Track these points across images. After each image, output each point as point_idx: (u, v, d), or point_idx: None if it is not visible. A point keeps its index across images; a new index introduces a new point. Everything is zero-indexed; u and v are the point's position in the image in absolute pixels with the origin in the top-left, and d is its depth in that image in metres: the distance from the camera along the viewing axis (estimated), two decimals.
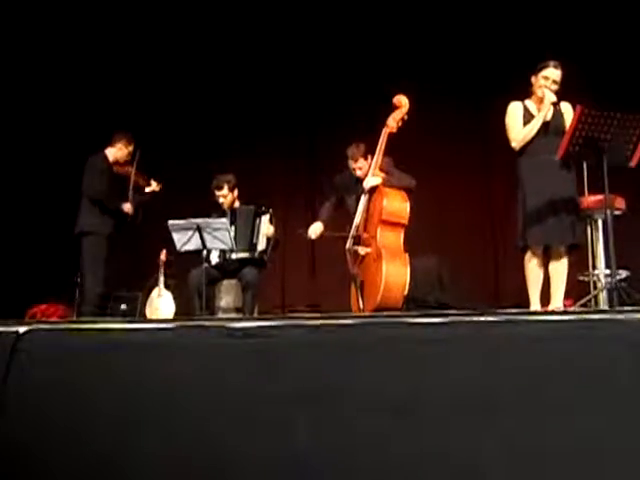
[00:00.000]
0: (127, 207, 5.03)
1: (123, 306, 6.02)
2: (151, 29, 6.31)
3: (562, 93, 3.96)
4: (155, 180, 5.26)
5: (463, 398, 2.12)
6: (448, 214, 5.94)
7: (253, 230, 4.71)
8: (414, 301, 4.53)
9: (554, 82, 3.89)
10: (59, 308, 5.97)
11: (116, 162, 5.15)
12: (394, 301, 4.20)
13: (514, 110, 3.96)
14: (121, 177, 5.16)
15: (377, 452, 2.08)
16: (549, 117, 3.92)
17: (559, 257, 3.91)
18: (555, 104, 3.92)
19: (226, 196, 4.85)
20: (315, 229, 4.70)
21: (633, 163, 3.67)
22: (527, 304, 3.97)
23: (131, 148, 5.17)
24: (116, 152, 5.15)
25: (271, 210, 4.77)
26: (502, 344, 2.14)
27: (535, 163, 3.88)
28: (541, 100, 3.90)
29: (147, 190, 5.24)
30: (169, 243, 4.68)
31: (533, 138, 3.89)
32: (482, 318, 2.27)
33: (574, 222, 3.87)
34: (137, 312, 5.89)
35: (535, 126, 3.88)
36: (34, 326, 2.36)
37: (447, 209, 5.95)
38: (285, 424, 2.11)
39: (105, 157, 5.13)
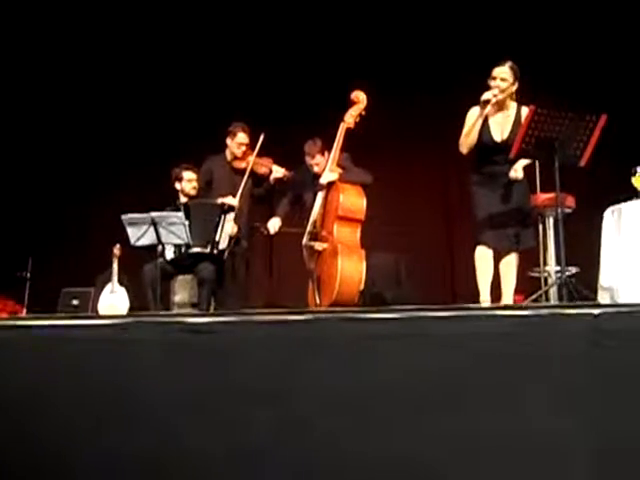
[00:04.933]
0: (227, 200, 4.66)
1: (75, 301, 5.91)
2: (132, 30, 6.24)
3: (519, 93, 3.90)
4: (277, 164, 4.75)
5: (418, 395, 2.14)
6: (406, 210, 5.98)
7: (217, 227, 4.64)
8: (370, 297, 4.56)
9: (502, 80, 3.79)
10: (8, 304, 5.84)
11: (234, 158, 4.80)
12: (350, 296, 4.22)
13: (471, 116, 3.87)
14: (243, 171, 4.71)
15: (334, 450, 2.08)
16: (505, 134, 3.80)
17: (508, 255, 3.93)
18: (516, 102, 3.85)
19: (192, 181, 4.79)
20: (274, 224, 4.68)
21: (583, 162, 3.72)
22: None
23: (241, 136, 4.75)
24: (230, 146, 4.81)
25: (237, 209, 4.70)
26: (454, 340, 2.17)
27: (486, 175, 3.84)
28: (497, 104, 3.81)
29: (271, 178, 4.76)
30: (121, 237, 4.59)
31: (487, 152, 3.81)
32: (436, 314, 2.29)
33: (521, 230, 3.83)
34: (89, 308, 5.79)
35: (474, 128, 3.78)
36: None
37: (405, 205, 5.99)
38: (243, 420, 2.10)
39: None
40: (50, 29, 6.25)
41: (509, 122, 3.85)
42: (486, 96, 3.77)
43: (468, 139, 3.83)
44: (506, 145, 3.77)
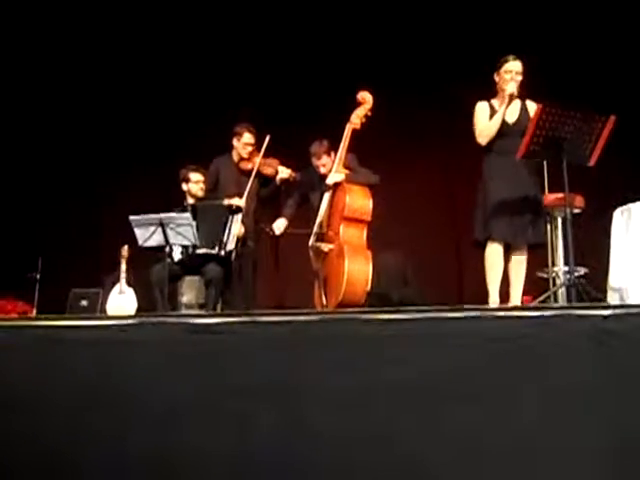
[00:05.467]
0: (234, 201, 4.65)
1: (83, 302, 5.94)
2: (142, 35, 6.26)
3: (526, 90, 3.97)
4: (285, 165, 4.72)
5: (424, 395, 2.12)
6: (412, 211, 5.96)
7: (224, 228, 4.63)
8: (377, 297, 4.54)
9: (517, 74, 3.93)
10: (18, 305, 5.87)
11: (240, 159, 4.81)
12: (356, 297, 4.21)
13: (480, 109, 3.99)
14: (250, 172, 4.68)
15: (338, 450, 2.07)
16: (515, 117, 3.92)
17: (519, 254, 3.93)
18: (517, 97, 3.92)
19: (199, 182, 4.80)
20: (279, 225, 4.69)
21: (592, 162, 3.70)
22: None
23: (248, 137, 4.76)
24: (236, 147, 4.82)
25: (243, 209, 4.69)
26: (461, 340, 2.16)
27: (500, 161, 3.89)
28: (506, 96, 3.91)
29: (277, 179, 4.73)
30: (129, 238, 4.60)
31: (499, 137, 3.89)
32: (442, 315, 2.28)
33: (534, 222, 3.87)
34: (98, 308, 5.81)
35: (497, 119, 3.89)
36: None
37: (411, 206, 5.97)
38: (246, 420, 2.09)
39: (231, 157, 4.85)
40: (57, 32, 6.27)
41: (516, 110, 3.96)
42: (511, 90, 3.89)
43: (489, 131, 3.91)
44: (516, 127, 3.87)
